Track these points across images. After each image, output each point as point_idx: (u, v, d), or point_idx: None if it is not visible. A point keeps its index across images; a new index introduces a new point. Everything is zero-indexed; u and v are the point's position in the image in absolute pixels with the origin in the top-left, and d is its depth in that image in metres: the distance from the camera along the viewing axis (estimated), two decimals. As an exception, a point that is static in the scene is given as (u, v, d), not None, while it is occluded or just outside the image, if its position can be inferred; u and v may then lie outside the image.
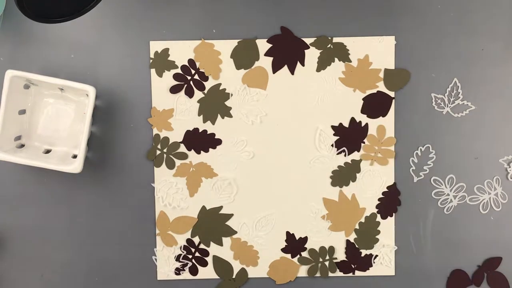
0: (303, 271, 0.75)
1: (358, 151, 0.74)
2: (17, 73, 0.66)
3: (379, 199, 0.74)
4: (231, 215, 0.74)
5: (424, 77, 0.73)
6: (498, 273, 0.75)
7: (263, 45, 0.73)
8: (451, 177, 0.74)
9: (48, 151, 0.72)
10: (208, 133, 0.74)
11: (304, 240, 0.75)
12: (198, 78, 0.73)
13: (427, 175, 0.74)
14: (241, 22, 0.73)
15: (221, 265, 0.75)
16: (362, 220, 0.75)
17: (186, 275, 0.75)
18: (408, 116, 0.74)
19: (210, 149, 0.74)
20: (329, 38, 0.73)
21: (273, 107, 0.73)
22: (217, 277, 0.75)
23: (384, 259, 0.75)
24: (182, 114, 0.73)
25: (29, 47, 0.72)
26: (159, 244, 0.74)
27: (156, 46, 0.73)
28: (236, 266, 0.75)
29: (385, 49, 0.73)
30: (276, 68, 0.73)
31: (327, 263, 0.75)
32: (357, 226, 0.75)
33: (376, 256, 0.75)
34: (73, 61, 0.72)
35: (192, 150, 0.74)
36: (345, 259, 0.75)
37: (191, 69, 0.73)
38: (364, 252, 0.75)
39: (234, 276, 0.75)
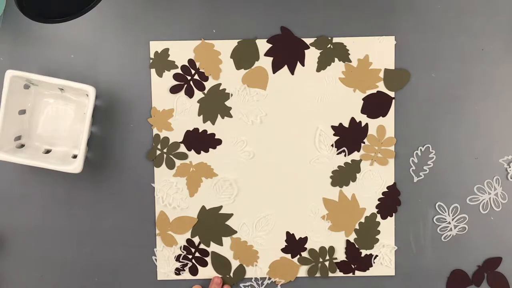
0: (303, 271, 0.75)
1: (358, 151, 0.74)
2: (17, 73, 0.66)
3: (379, 199, 0.74)
4: (231, 215, 0.74)
5: (424, 77, 0.73)
6: (498, 273, 0.75)
7: (263, 45, 0.73)
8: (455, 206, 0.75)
9: (48, 151, 0.72)
10: (208, 133, 0.74)
11: (304, 240, 0.75)
12: (198, 78, 0.73)
13: (427, 175, 0.74)
14: (241, 22, 0.73)
15: (220, 261, 0.75)
16: (362, 220, 0.75)
17: (186, 275, 0.75)
18: (408, 116, 0.74)
19: (210, 149, 0.74)
20: (329, 38, 0.73)
21: (273, 107, 0.73)
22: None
23: (384, 259, 0.75)
24: (182, 114, 0.73)
25: (29, 47, 0.72)
26: (159, 244, 0.74)
27: (156, 46, 0.73)
28: (234, 263, 0.75)
29: (385, 49, 0.73)
30: (276, 68, 0.73)
31: (327, 263, 0.75)
32: (357, 226, 0.75)
33: (376, 256, 0.75)
34: (73, 61, 0.72)
35: (192, 150, 0.74)
36: (345, 259, 0.75)
37: (191, 69, 0.73)
38: (364, 252, 0.75)
39: (231, 273, 0.75)
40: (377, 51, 0.73)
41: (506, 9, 0.73)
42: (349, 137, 0.74)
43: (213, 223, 0.74)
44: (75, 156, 0.71)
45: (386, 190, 0.74)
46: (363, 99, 0.73)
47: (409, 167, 0.74)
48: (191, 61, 0.73)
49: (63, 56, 0.72)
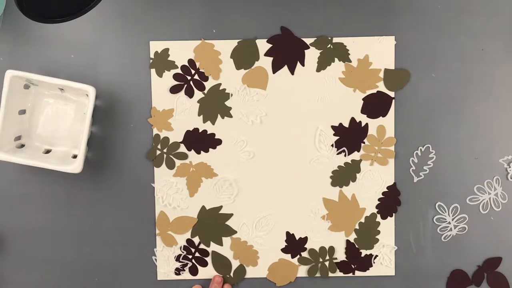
0: (303, 271, 0.75)
1: (358, 151, 0.74)
2: (17, 73, 0.66)
3: (379, 199, 0.74)
4: (231, 215, 0.74)
5: (424, 77, 0.73)
6: (498, 273, 0.75)
7: (263, 45, 0.73)
8: (455, 206, 0.75)
9: (48, 151, 0.72)
10: (208, 133, 0.74)
11: (304, 240, 0.75)
12: (198, 78, 0.73)
13: (427, 175, 0.74)
14: (241, 22, 0.73)
15: (220, 261, 0.75)
16: (362, 220, 0.75)
17: (186, 275, 0.75)
18: (408, 116, 0.74)
19: (210, 149, 0.74)
20: (329, 38, 0.73)
21: (273, 107, 0.73)
22: (217, 277, 0.75)
23: (384, 259, 0.75)
24: (182, 114, 0.73)
25: (29, 47, 0.72)
26: (159, 244, 0.74)
27: (156, 46, 0.73)
28: (235, 263, 0.75)
29: (385, 49, 0.73)
30: (276, 68, 0.73)
31: (327, 263, 0.75)
32: (357, 226, 0.75)
33: (376, 256, 0.75)
34: (73, 61, 0.72)
35: (192, 150, 0.74)
36: (345, 259, 0.75)
37: (191, 69, 0.73)
38: (364, 252, 0.75)
39: (231, 273, 0.75)
40: (377, 51, 0.73)
41: (506, 9, 0.73)
42: (349, 137, 0.74)
43: (213, 223, 0.74)
44: (75, 156, 0.71)
45: (386, 190, 0.74)
46: (363, 99, 0.73)
47: (409, 167, 0.74)
48: (191, 61, 0.73)
49: (63, 56, 0.72)
